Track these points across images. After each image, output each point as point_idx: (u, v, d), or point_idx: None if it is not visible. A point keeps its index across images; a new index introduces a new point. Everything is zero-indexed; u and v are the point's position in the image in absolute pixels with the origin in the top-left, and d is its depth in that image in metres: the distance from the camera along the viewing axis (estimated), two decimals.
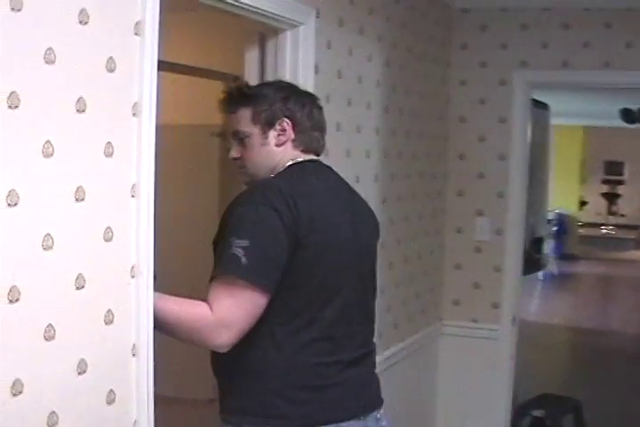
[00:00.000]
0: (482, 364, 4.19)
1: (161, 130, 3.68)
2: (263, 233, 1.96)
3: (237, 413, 2.09)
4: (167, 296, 2.05)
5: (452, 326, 4.30)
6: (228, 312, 1.94)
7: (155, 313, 2.00)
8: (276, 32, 2.74)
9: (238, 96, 2.18)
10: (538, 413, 4.70)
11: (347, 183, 2.29)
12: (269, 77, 2.77)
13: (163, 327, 2.02)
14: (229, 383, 2.12)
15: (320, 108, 2.23)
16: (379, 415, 2.22)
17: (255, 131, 2.14)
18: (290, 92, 2.18)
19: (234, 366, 2.07)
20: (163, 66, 3.85)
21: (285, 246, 1.97)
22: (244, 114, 2.15)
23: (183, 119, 3.86)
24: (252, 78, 2.79)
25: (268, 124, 2.14)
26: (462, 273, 4.29)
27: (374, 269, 2.34)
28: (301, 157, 2.16)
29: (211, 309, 1.95)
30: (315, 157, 2.21)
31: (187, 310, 2.00)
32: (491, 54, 4.13)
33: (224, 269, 1.96)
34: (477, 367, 4.22)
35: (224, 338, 1.95)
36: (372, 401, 2.22)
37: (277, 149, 2.15)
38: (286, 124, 2.13)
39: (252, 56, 2.79)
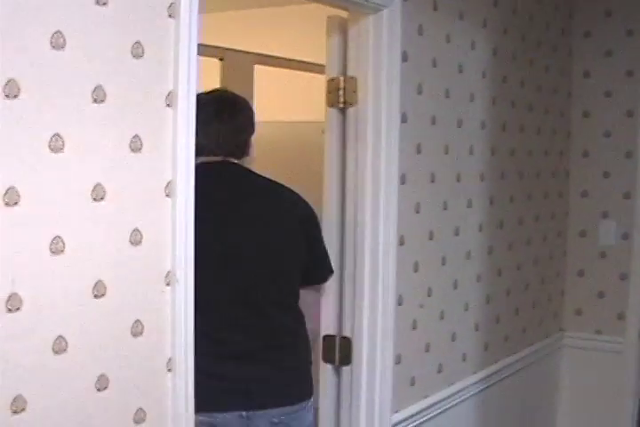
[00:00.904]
0: (605, 379, 3.81)
1: (262, 127, 3.56)
2: None
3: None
4: None
5: (573, 337, 3.94)
6: None
7: None
8: (357, 18, 2.51)
9: None
10: None
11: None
12: (352, 66, 2.55)
13: None
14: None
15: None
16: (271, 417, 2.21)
17: None
18: None
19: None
20: (257, 59, 3.72)
21: None
22: None
23: (288, 116, 3.69)
24: (333, 67, 2.57)
25: None
26: (585, 280, 3.92)
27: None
28: None
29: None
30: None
31: None
32: (617, 42, 3.74)
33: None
34: (601, 383, 3.85)
35: None
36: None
37: None
38: None
39: (333, 44, 2.57)
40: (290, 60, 3.76)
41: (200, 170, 1.85)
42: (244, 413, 2.20)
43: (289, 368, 2.29)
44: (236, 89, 3.56)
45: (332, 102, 2.58)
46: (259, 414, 2.21)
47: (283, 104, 3.68)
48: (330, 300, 2.61)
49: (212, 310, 2.13)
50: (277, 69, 3.82)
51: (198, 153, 1.87)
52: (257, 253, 2.26)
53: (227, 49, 3.65)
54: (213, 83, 3.51)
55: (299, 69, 3.80)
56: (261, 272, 2.28)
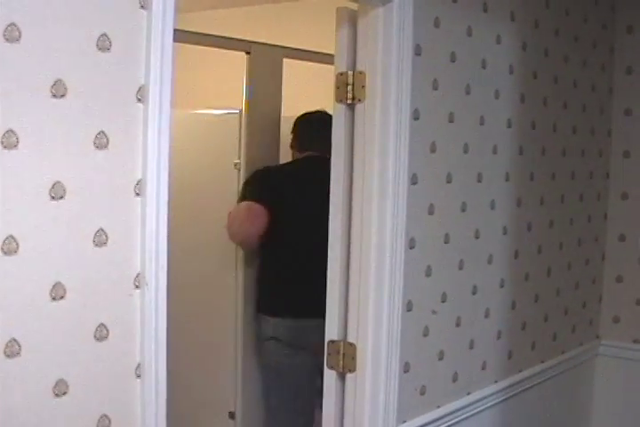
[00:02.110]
0: None
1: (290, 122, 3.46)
2: None
3: None
4: None
5: (610, 346, 3.77)
6: None
7: None
8: (366, 9, 2.40)
9: None
10: None
11: None
12: (361, 60, 2.44)
13: None
14: None
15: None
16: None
17: None
18: None
19: None
20: (286, 52, 3.63)
21: None
22: None
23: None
24: (342, 60, 2.47)
25: None
26: (624, 287, 3.74)
27: None
28: None
29: None
30: None
31: None
32: None
33: None
34: (638, 395, 3.68)
35: None
36: None
37: None
38: None
39: (341, 37, 2.47)
40: (319, 53, 3.66)
41: (310, 159, 3.37)
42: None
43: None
44: (264, 83, 3.51)
45: (340, 98, 2.47)
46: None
47: (311, 98, 3.58)
48: (334, 304, 2.51)
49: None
50: (305, 63, 3.72)
51: (306, 149, 3.43)
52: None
53: (254, 42, 3.57)
54: (239, 76, 3.44)
55: (329, 63, 3.69)
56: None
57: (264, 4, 4.55)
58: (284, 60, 3.61)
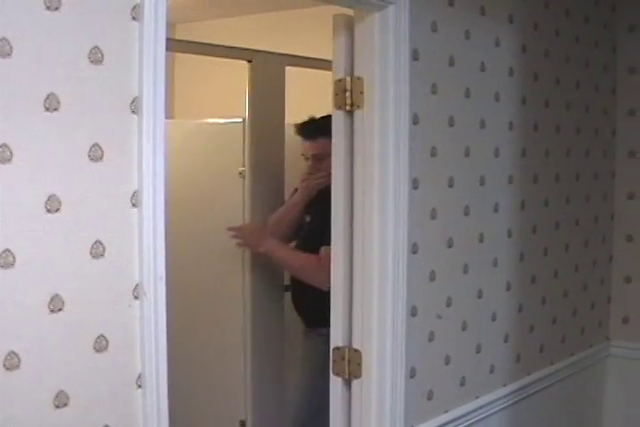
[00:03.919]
0: None
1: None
2: None
3: None
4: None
5: (620, 347, 3.75)
6: None
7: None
8: (362, 15, 2.41)
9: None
10: None
11: None
12: (358, 66, 2.45)
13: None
14: None
15: None
16: None
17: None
18: None
19: None
20: (288, 60, 3.63)
21: None
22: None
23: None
24: (340, 66, 2.48)
25: None
26: (632, 287, 3.72)
27: None
28: None
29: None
30: None
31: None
32: None
33: None
34: None
35: None
36: None
37: None
38: None
39: (339, 43, 2.47)
40: (322, 60, 3.66)
41: None
42: None
43: None
44: (267, 91, 3.52)
45: (338, 104, 2.48)
46: None
47: (313, 106, 3.58)
48: (338, 311, 2.51)
49: None
50: (308, 70, 3.73)
51: None
52: None
53: (256, 51, 3.57)
54: (242, 85, 3.45)
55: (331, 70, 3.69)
56: None
57: (265, 13, 4.56)
58: (287, 67, 3.61)
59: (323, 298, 2.66)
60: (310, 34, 4.09)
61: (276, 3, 4.41)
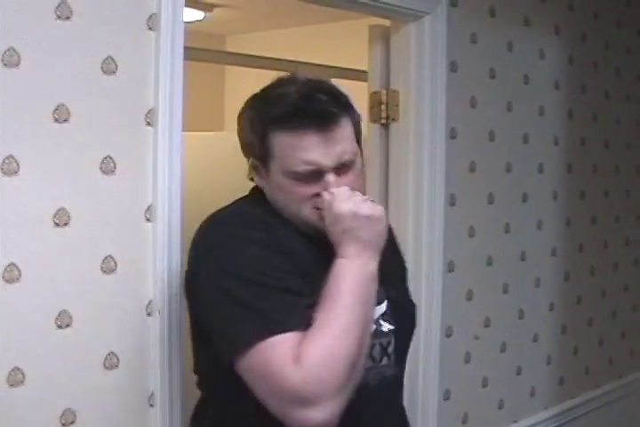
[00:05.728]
0: None
1: None
2: None
3: None
4: None
5: None
6: None
7: None
8: (398, 26, 2.34)
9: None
10: None
11: None
12: (394, 78, 2.38)
13: None
14: None
15: None
16: None
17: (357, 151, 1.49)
18: None
19: None
20: (335, 72, 3.58)
21: None
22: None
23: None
24: (375, 78, 2.42)
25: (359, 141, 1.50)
26: None
27: None
28: None
29: None
30: None
31: None
32: None
33: None
34: None
35: None
36: None
37: None
38: None
39: (374, 55, 2.41)
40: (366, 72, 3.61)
41: None
42: None
43: None
44: None
45: (374, 118, 2.41)
46: None
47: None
48: None
49: None
50: (353, 82, 3.67)
51: None
52: None
53: (302, 63, 3.53)
54: None
55: None
56: None
57: (310, 25, 4.51)
58: (332, 80, 3.55)
59: None
60: (353, 46, 4.04)
61: (327, 14, 4.36)
